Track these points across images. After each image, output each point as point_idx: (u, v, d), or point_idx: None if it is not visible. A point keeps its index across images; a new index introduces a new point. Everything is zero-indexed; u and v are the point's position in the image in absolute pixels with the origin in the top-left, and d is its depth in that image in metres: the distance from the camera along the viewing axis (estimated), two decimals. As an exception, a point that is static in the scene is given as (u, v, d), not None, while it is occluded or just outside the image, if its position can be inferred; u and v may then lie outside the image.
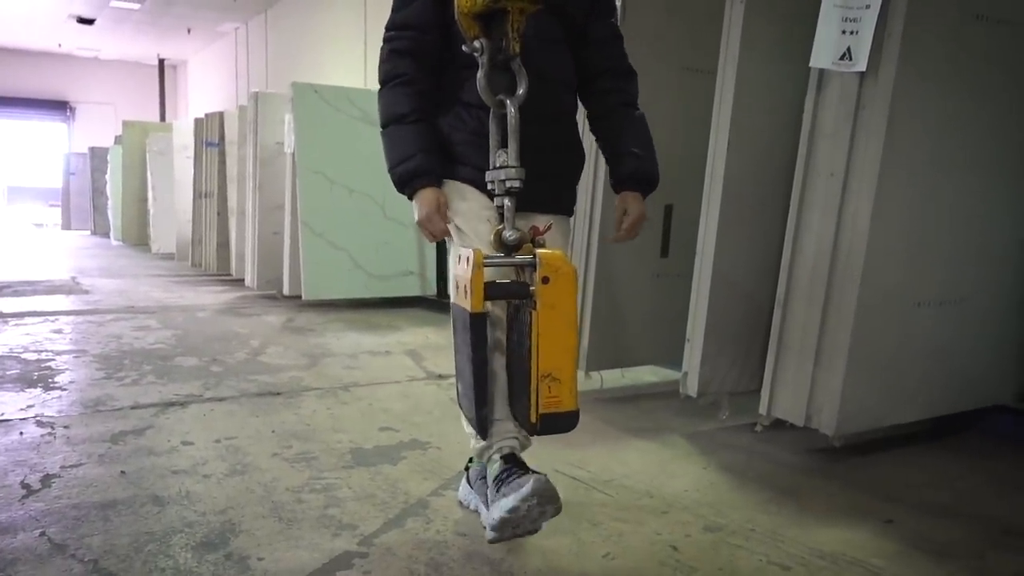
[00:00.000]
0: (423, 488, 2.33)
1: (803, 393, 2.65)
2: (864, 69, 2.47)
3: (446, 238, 2.02)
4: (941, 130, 2.63)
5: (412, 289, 6.23)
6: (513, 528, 1.76)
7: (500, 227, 1.75)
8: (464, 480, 2.22)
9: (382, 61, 1.99)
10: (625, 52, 2.15)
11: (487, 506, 2.07)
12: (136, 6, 13.36)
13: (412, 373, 3.90)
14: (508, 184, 1.74)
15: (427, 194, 1.93)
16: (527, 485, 1.71)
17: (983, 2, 2.62)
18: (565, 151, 2.06)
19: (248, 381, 3.63)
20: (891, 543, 2.06)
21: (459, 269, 1.75)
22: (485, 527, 2.04)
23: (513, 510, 1.72)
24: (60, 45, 17.10)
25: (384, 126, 1.98)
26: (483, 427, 1.78)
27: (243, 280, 6.87)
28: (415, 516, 2.14)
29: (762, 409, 2.80)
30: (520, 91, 1.78)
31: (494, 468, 1.96)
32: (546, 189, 1.95)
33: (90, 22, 14.60)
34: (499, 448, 1.91)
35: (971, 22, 2.61)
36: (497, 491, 1.83)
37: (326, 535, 2.00)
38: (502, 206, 1.76)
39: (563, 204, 2.10)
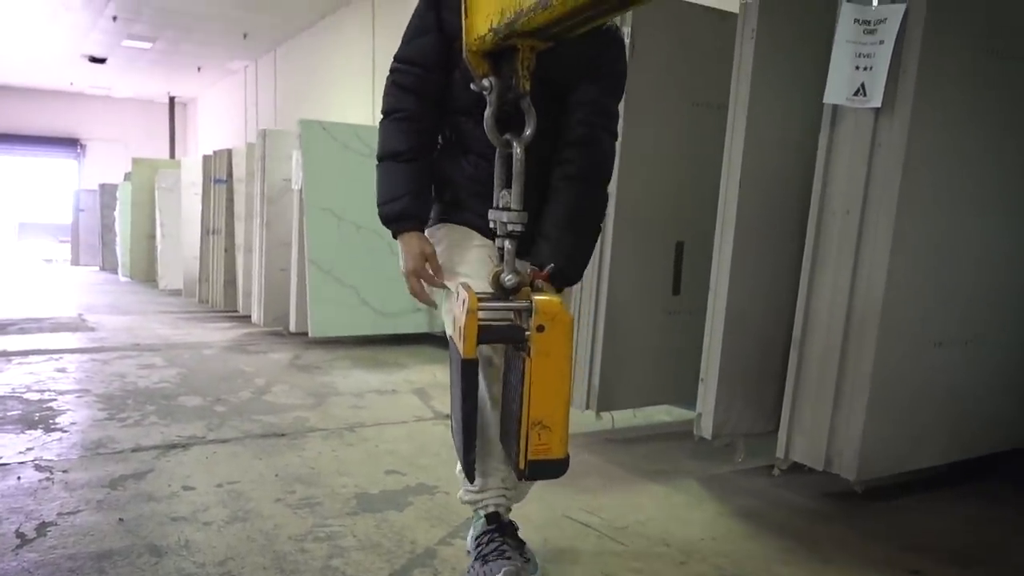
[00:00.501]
0: (430, 536, 2.25)
1: (822, 436, 2.57)
2: (879, 105, 2.42)
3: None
4: (959, 167, 2.58)
5: (419, 326, 6.17)
6: None
7: (499, 269, 1.70)
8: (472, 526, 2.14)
9: (386, 93, 1.99)
10: (606, 114, 1.99)
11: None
12: (148, 45, 13.51)
13: (419, 413, 3.83)
14: (510, 227, 1.70)
15: (410, 240, 1.92)
16: (499, 573, 1.81)
17: (999, 39, 2.59)
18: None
19: (252, 422, 3.57)
20: (919, 596, 1.97)
21: (455, 308, 1.71)
22: None
23: None
24: (72, 84, 17.31)
25: (379, 159, 1.97)
26: (469, 471, 1.79)
27: (250, 317, 6.83)
28: (422, 567, 2.06)
29: (779, 452, 2.71)
30: (528, 132, 1.74)
31: (478, 527, 1.99)
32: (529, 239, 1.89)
33: (102, 61, 14.76)
34: (484, 505, 1.95)
35: (987, 58, 2.57)
36: (475, 558, 1.92)
37: (329, 588, 1.93)
38: (502, 248, 1.72)
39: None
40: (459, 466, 2.03)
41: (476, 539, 1.95)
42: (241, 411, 3.77)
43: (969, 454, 2.86)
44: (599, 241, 3.32)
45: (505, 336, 1.68)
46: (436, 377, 4.77)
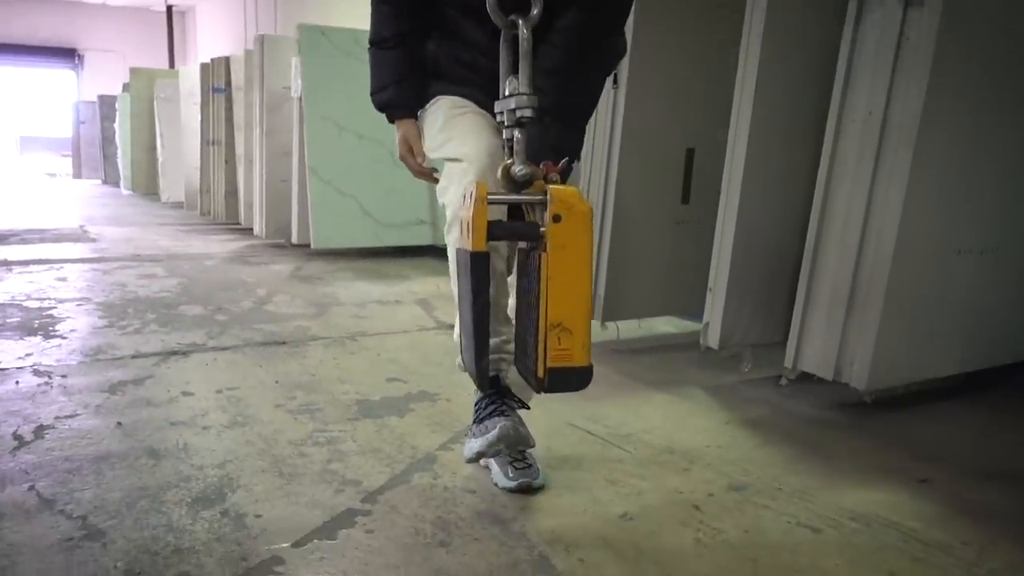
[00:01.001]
0: (431, 442, 2.22)
1: (833, 345, 2.51)
2: (909, -6, 2.27)
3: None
4: (990, 66, 2.43)
5: (423, 238, 6.08)
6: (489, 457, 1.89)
7: (509, 161, 1.58)
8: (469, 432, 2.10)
9: None
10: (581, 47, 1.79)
11: (495, 462, 1.96)
12: (141, -52, 13.04)
13: (422, 323, 3.79)
14: (519, 114, 1.58)
15: (399, 127, 1.99)
16: (494, 431, 1.76)
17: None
18: (572, 92, 1.86)
19: (253, 330, 3.53)
20: (928, 504, 1.94)
21: (461, 207, 1.60)
22: (492, 481, 1.94)
23: (478, 455, 1.84)
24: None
25: (368, 46, 1.96)
26: (482, 379, 1.65)
27: (252, 229, 6.75)
28: (422, 471, 2.03)
29: (788, 362, 2.66)
30: (534, 11, 1.61)
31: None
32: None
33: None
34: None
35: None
36: (474, 421, 1.89)
37: (328, 491, 1.90)
38: (511, 138, 1.60)
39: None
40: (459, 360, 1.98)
41: (475, 406, 1.90)
42: (242, 320, 3.73)
43: (982, 365, 2.80)
44: (607, 147, 3.21)
45: (518, 232, 1.57)
46: (439, 288, 4.71)
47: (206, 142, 8.16)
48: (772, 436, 2.38)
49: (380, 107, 1.97)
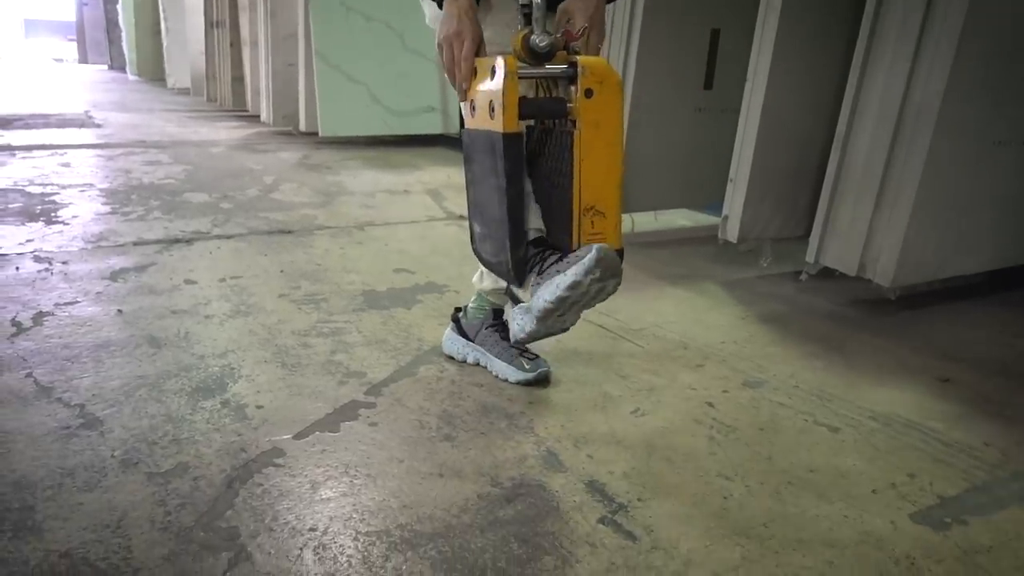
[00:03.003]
0: (438, 334, 2.16)
1: (858, 240, 2.40)
2: None
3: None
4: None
5: (434, 126, 5.91)
6: (560, 316, 1.46)
7: (526, 31, 1.42)
8: (451, 331, 2.03)
9: None
10: None
11: (499, 358, 1.90)
12: None
13: (432, 213, 3.69)
14: None
15: (453, 7, 1.51)
16: (591, 254, 1.35)
17: None
18: None
19: (258, 219, 3.44)
20: (948, 404, 1.87)
21: (483, 84, 1.45)
22: (500, 377, 1.89)
23: (574, 286, 1.37)
24: None
25: None
26: (519, 271, 1.48)
27: (259, 116, 6.59)
28: (428, 364, 1.98)
29: (809, 256, 2.56)
30: None
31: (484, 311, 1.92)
32: None
33: None
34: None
35: None
36: (542, 273, 1.47)
37: (331, 382, 1.85)
38: (528, 4, 1.43)
39: None
40: (482, 278, 1.90)
41: (534, 264, 1.52)
42: (247, 208, 3.64)
43: (1009, 262, 2.69)
44: (627, 24, 3.01)
45: (546, 109, 1.44)
46: (450, 178, 4.59)
47: (210, 24, 7.89)
48: (789, 333, 2.30)
49: None
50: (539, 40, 1.41)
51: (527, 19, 1.45)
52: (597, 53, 1.53)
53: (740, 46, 3.03)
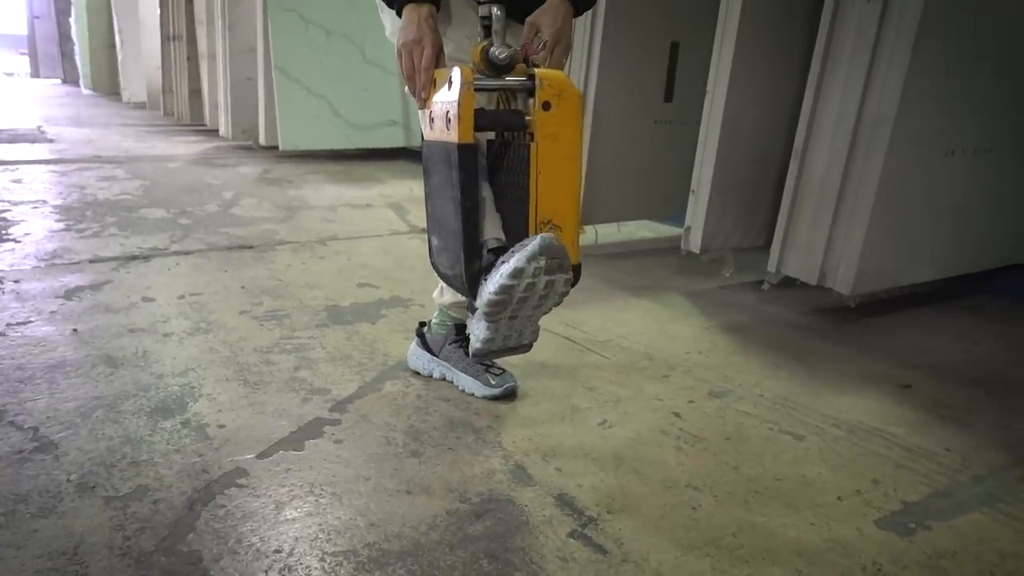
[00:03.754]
0: (403, 349, 2.14)
1: (818, 249, 2.44)
2: None
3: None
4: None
5: (395, 140, 5.89)
6: (512, 318, 1.42)
7: (485, 43, 1.42)
8: (416, 345, 2.01)
9: None
10: None
11: (465, 373, 1.88)
12: None
13: (395, 227, 3.67)
14: None
15: (415, 14, 1.49)
16: (534, 241, 1.30)
17: None
18: None
19: (218, 234, 3.39)
20: (909, 410, 1.90)
21: (440, 94, 1.44)
22: (467, 392, 1.87)
23: (516, 274, 1.30)
24: None
25: None
26: (473, 284, 1.46)
27: (217, 130, 6.50)
28: (394, 379, 1.96)
29: (771, 266, 2.59)
30: None
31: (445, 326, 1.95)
32: None
33: None
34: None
35: None
36: (491, 272, 1.42)
37: (295, 400, 1.82)
38: (488, 16, 1.43)
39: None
40: (441, 293, 1.91)
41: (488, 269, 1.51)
42: (206, 224, 3.58)
43: (968, 269, 2.75)
44: (587, 37, 3.04)
45: (503, 121, 1.43)
46: (412, 192, 4.57)
47: (166, 38, 7.78)
48: (753, 342, 2.33)
49: None
50: (498, 52, 1.41)
51: (487, 31, 1.45)
52: (562, 67, 1.53)
53: (700, 59, 3.07)
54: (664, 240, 3.54)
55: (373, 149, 5.81)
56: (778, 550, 1.31)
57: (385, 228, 3.62)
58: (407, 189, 4.66)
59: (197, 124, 7.27)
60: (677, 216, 3.30)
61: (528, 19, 1.54)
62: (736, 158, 2.74)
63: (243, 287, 2.67)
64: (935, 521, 1.42)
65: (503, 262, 1.36)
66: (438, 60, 1.50)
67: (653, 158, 3.29)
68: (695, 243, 2.78)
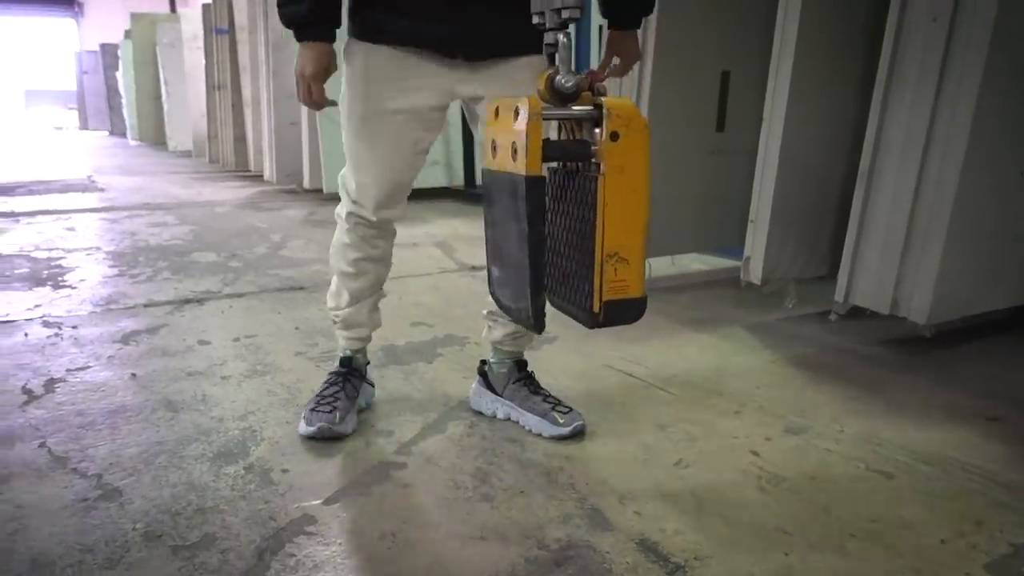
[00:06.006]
0: (463, 388, 2.08)
1: (889, 277, 2.34)
2: None
3: None
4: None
5: (438, 180, 5.91)
6: None
7: (551, 71, 1.38)
8: (478, 384, 1.96)
9: None
10: None
11: (531, 413, 1.82)
12: None
13: (443, 265, 3.64)
14: (565, 14, 1.37)
15: (314, 51, 1.60)
16: (576, 424, 1.78)
17: None
18: None
19: (269, 276, 3.39)
20: (1000, 445, 1.79)
21: (505, 124, 1.40)
22: (533, 432, 1.81)
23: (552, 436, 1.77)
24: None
25: None
26: (539, 319, 1.41)
27: (262, 175, 6.59)
28: (457, 420, 1.90)
29: (838, 296, 2.50)
30: None
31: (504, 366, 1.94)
32: (503, 24, 1.56)
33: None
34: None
35: None
36: (534, 394, 1.86)
37: (358, 443, 1.77)
38: (554, 43, 1.39)
39: (533, 41, 1.56)
40: (496, 325, 1.92)
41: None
42: (257, 266, 3.59)
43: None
44: (637, 68, 3.00)
45: (570, 152, 1.38)
46: (458, 231, 4.55)
47: (211, 87, 7.95)
48: (824, 375, 2.23)
49: (291, 22, 1.60)
50: (565, 81, 1.36)
51: (551, 59, 1.41)
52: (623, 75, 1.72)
53: (751, 88, 3.03)
54: (720, 272, 3.46)
55: (416, 189, 5.83)
56: (884, 598, 1.22)
57: (434, 266, 3.60)
58: (452, 228, 4.65)
59: (242, 170, 7.39)
60: (731, 248, 3.23)
61: (608, 43, 1.63)
62: (795, 186, 2.67)
63: (297, 328, 2.65)
64: (1051, 565, 1.32)
65: (543, 416, 1.80)
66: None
67: (706, 189, 3.23)
68: (755, 274, 2.70)
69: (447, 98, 1.71)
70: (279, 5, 1.62)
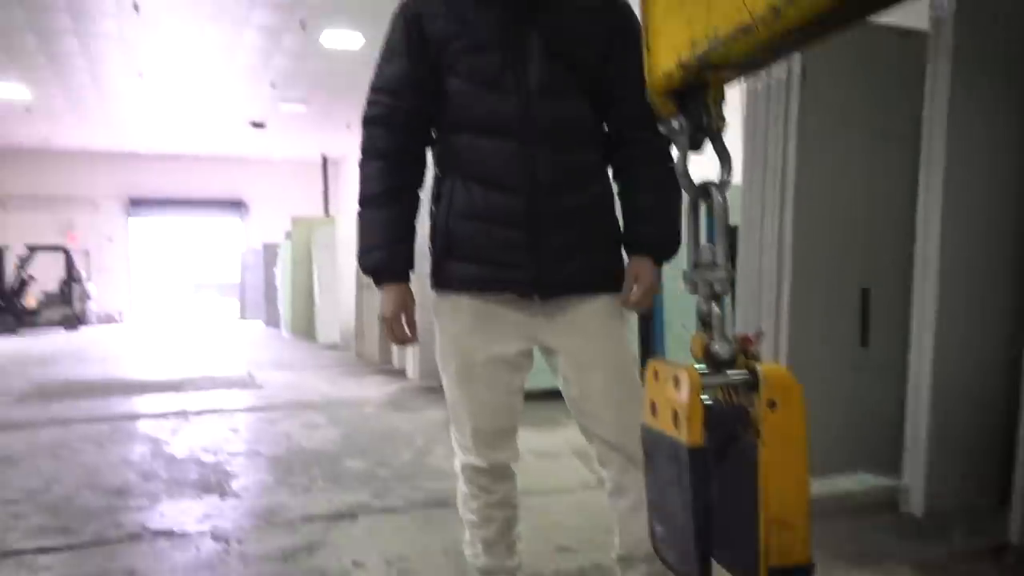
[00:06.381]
0: (614, 629, 2.06)
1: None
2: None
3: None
4: None
5: (574, 378, 6.01)
6: None
7: (704, 336, 1.45)
8: None
9: (362, 128, 1.84)
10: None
11: None
12: (302, 108, 14.36)
13: (584, 479, 3.65)
14: (717, 287, 1.46)
15: (391, 293, 1.79)
16: None
17: None
18: (592, 214, 1.79)
19: (415, 488, 3.50)
20: None
21: (665, 389, 1.47)
22: None
23: None
24: (235, 149, 18.68)
25: (359, 205, 1.81)
26: None
27: (404, 371, 6.90)
28: (610, 670, 1.87)
29: (1012, 535, 2.34)
30: (727, 176, 1.53)
31: None
32: (576, 265, 1.74)
33: (262, 126, 15.86)
34: None
35: None
36: None
37: None
38: (708, 312, 1.47)
39: (606, 279, 1.82)
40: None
41: None
42: (403, 476, 3.72)
43: None
44: (774, 281, 3.07)
45: (729, 420, 1.44)
46: (596, 435, 4.57)
47: (360, 287, 8.55)
48: (1007, 628, 2.06)
49: (370, 270, 1.79)
50: (720, 349, 1.43)
51: (705, 325, 1.49)
52: (642, 307, 1.83)
53: (894, 302, 3.02)
54: (875, 494, 3.29)
55: (547, 390, 5.94)
56: None
57: (575, 482, 3.61)
58: (589, 431, 4.68)
59: (385, 364, 7.77)
60: (885, 465, 3.09)
61: (627, 269, 1.79)
62: (953, 409, 2.59)
63: (445, 551, 2.70)
64: None
65: None
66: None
67: (852, 405, 3.16)
68: (916, 504, 2.58)
69: (530, 343, 1.85)
70: (358, 257, 1.82)
